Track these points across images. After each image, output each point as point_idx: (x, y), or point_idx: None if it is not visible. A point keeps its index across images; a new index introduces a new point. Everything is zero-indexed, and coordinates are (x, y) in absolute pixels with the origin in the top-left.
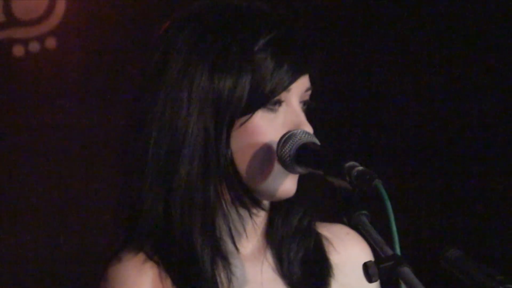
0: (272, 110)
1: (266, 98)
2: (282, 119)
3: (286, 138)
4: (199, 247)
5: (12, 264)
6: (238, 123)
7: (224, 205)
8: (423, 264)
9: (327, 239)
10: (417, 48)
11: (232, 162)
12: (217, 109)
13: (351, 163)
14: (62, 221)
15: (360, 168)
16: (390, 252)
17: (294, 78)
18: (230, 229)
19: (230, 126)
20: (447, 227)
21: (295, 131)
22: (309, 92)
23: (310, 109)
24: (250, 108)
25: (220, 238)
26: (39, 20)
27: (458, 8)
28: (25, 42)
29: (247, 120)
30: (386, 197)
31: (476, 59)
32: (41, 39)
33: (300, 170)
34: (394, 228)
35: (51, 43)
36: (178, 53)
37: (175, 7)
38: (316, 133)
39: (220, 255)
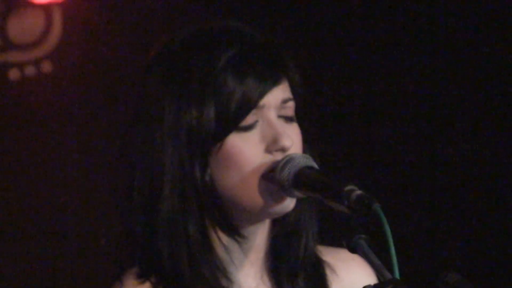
0: (246, 129)
1: (234, 121)
2: (260, 135)
3: (284, 163)
4: (189, 282)
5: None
6: (214, 150)
7: (211, 238)
8: None
9: (330, 266)
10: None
11: (213, 191)
12: (189, 142)
13: (350, 187)
14: (60, 246)
15: (359, 192)
16: (389, 276)
17: (262, 94)
18: (221, 262)
19: (206, 155)
20: (446, 250)
21: (293, 155)
22: (290, 104)
23: (302, 120)
24: (221, 133)
25: (213, 272)
26: (35, 44)
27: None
28: (21, 66)
29: (221, 145)
30: (385, 221)
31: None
32: (37, 63)
33: (299, 194)
34: (393, 252)
35: (47, 67)
36: (148, 95)
37: (171, 30)
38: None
39: None
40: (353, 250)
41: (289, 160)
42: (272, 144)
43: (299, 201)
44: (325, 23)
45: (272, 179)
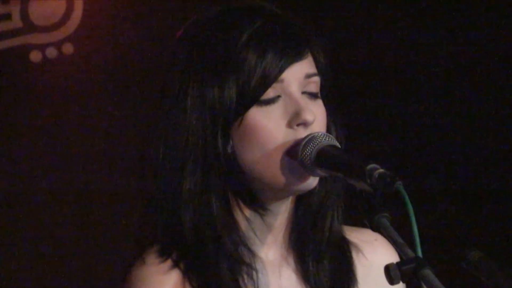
0: (268, 103)
1: (254, 95)
2: (282, 110)
3: (306, 141)
4: (212, 258)
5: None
6: (236, 124)
7: (234, 212)
8: (445, 266)
9: (355, 246)
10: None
11: (235, 164)
12: (212, 117)
13: (372, 165)
14: (82, 221)
15: (381, 170)
16: (411, 254)
17: (282, 68)
18: (244, 236)
19: (228, 129)
20: (469, 228)
21: (315, 134)
22: (314, 79)
23: (328, 98)
24: (241, 108)
25: (236, 246)
26: (56, 26)
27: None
28: (42, 47)
29: (242, 120)
30: (407, 199)
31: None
32: (58, 44)
33: (321, 172)
34: (415, 231)
35: (68, 48)
36: (174, 73)
37: (192, 10)
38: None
39: (237, 264)
40: (375, 228)
41: (311, 138)
42: (294, 118)
43: (324, 181)
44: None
45: (295, 157)
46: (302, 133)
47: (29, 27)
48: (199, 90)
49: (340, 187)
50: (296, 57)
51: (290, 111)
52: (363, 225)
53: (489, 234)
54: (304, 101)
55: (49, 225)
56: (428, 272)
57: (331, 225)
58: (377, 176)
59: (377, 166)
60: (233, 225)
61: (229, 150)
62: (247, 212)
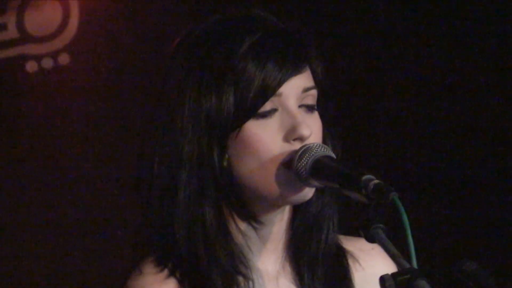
0: (265, 116)
1: (252, 108)
2: (279, 123)
3: (302, 152)
4: (206, 269)
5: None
6: (232, 136)
7: (228, 224)
8: (439, 277)
9: (352, 254)
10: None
11: (231, 176)
12: (209, 128)
13: (368, 176)
14: (78, 235)
15: (377, 181)
16: (406, 265)
17: (281, 81)
18: (239, 247)
19: (224, 141)
20: (463, 239)
21: (311, 145)
22: (312, 92)
23: (323, 110)
24: (239, 120)
25: (230, 257)
26: (52, 37)
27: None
28: (38, 58)
29: (239, 132)
30: (402, 210)
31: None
32: (54, 55)
33: (316, 183)
34: (410, 241)
35: (64, 59)
36: (171, 81)
37: (192, 20)
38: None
39: (232, 274)
40: (370, 239)
41: (306, 149)
42: (291, 133)
43: (320, 193)
44: (348, 13)
45: (290, 168)
46: (298, 146)
47: (25, 37)
48: (196, 100)
49: (336, 197)
50: (295, 71)
51: (287, 125)
52: (358, 236)
53: (485, 245)
54: (301, 115)
55: (43, 231)
56: (423, 283)
57: (327, 235)
58: (372, 187)
59: (373, 177)
60: (227, 237)
61: (224, 162)
62: (241, 224)
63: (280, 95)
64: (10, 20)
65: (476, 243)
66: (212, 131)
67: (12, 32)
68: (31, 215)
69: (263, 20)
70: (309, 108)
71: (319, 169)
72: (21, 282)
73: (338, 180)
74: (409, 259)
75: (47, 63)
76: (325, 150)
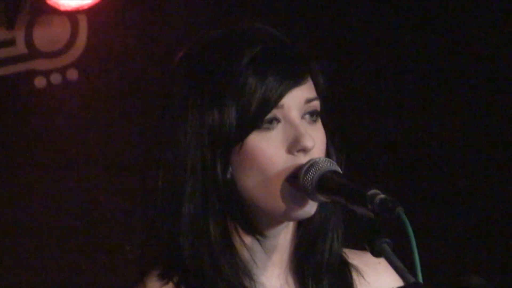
0: (268, 129)
1: (254, 121)
2: (282, 136)
3: (308, 167)
4: (211, 282)
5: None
6: (235, 149)
7: (232, 237)
8: None
9: (357, 269)
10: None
11: (234, 190)
12: (211, 142)
13: (374, 191)
14: (85, 247)
15: (383, 196)
16: (412, 280)
17: (282, 93)
18: (243, 261)
19: (228, 155)
20: (469, 254)
21: (317, 160)
22: (314, 103)
23: (326, 121)
24: (241, 133)
25: (235, 271)
26: (61, 52)
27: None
28: (47, 73)
29: (242, 145)
30: (408, 225)
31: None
32: (62, 70)
33: (322, 198)
34: (416, 256)
35: (72, 74)
36: (173, 96)
37: (195, 38)
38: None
39: None
40: (376, 254)
41: (313, 164)
42: (294, 145)
43: (324, 205)
44: (350, 23)
45: (296, 183)
46: (302, 159)
47: (34, 53)
48: (198, 114)
49: (340, 210)
50: (296, 82)
51: (290, 137)
52: (364, 250)
53: (492, 259)
54: (304, 126)
55: (49, 248)
56: None
57: (331, 247)
58: (378, 201)
59: (378, 192)
60: (231, 250)
61: (228, 175)
62: (246, 237)
63: (282, 107)
64: (19, 35)
65: (483, 258)
66: (215, 145)
67: (20, 47)
68: (35, 233)
69: (262, 33)
70: (312, 119)
71: (325, 184)
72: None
73: (344, 195)
74: (414, 274)
75: (56, 78)
76: (331, 164)
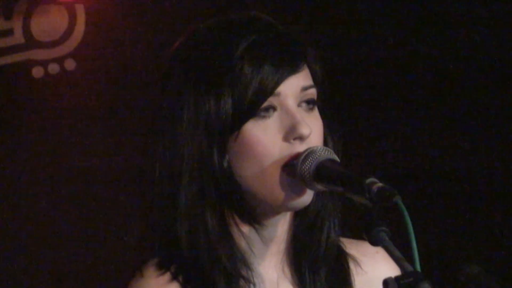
0: (264, 117)
1: (251, 109)
2: (278, 124)
3: (305, 155)
4: (209, 272)
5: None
6: (232, 138)
7: (230, 227)
8: (443, 280)
9: (354, 259)
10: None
11: (231, 179)
12: (208, 131)
13: (371, 179)
14: (84, 237)
15: (380, 184)
16: (410, 268)
17: (278, 81)
18: (241, 250)
19: (224, 144)
20: (467, 243)
21: (314, 148)
22: (311, 91)
23: (323, 110)
24: (238, 122)
25: (232, 260)
26: (58, 42)
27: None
28: (44, 63)
29: (238, 133)
30: (406, 213)
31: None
32: (60, 60)
33: (320, 187)
34: (414, 245)
35: (70, 64)
36: (170, 87)
37: (190, 26)
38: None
39: (234, 278)
40: (374, 242)
41: (310, 152)
42: (290, 132)
43: (320, 193)
44: (349, 14)
45: (293, 171)
46: (298, 147)
47: (31, 43)
48: (195, 103)
49: (337, 198)
50: (292, 70)
51: (286, 125)
52: (362, 239)
53: (488, 248)
54: (300, 114)
55: (50, 237)
56: (426, 286)
57: (327, 236)
58: (375, 190)
59: (376, 180)
60: (229, 240)
61: (225, 164)
62: (243, 227)
63: (278, 94)
64: (17, 25)
65: (480, 246)
66: (211, 134)
67: (18, 37)
68: (36, 221)
69: (258, 22)
70: (309, 108)
71: (322, 172)
72: (21, 282)
73: (341, 183)
74: (412, 262)
75: (53, 68)
76: (328, 153)
